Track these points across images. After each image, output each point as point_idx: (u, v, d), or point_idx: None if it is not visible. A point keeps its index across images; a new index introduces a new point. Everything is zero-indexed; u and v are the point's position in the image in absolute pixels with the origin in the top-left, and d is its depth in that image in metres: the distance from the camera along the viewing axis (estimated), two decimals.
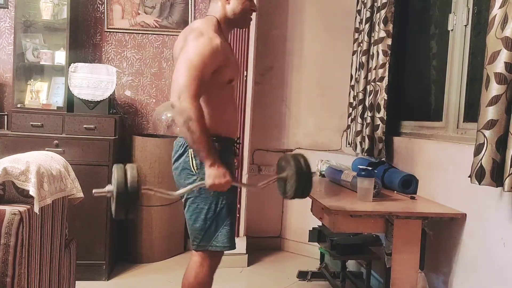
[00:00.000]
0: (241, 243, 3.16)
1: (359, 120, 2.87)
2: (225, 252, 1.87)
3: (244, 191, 3.19)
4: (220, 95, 1.82)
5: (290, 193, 1.77)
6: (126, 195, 1.50)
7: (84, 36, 3.32)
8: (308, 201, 2.50)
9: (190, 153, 1.78)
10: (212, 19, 1.82)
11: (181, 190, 1.72)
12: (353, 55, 3.15)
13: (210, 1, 1.88)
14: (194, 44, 1.69)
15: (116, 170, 1.53)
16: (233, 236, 1.83)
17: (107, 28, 3.34)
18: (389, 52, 2.60)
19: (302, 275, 2.96)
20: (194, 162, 1.77)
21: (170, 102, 1.69)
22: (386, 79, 2.60)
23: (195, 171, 1.77)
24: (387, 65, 2.61)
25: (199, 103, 1.66)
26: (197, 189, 1.76)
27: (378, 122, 2.63)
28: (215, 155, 1.68)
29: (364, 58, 2.84)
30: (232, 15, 1.83)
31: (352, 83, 3.14)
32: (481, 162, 1.60)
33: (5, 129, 2.95)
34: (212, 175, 1.66)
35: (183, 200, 1.84)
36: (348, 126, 3.18)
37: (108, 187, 1.54)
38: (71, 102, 2.89)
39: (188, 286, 1.80)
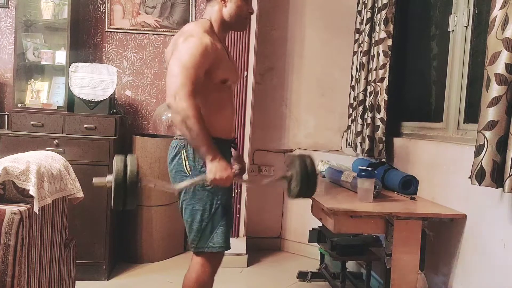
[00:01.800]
0: (241, 243, 3.16)
1: (360, 120, 2.87)
2: (225, 252, 1.87)
3: (244, 191, 3.19)
4: (217, 96, 1.82)
5: (293, 193, 1.77)
6: (124, 186, 1.52)
7: (85, 36, 3.33)
8: (308, 201, 2.50)
9: (183, 154, 1.78)
10: (205, 21, 1.83)
11: (182, 184, 1.72)
12: (353, 55, 3.15)
13: (206, 3, 1.89)
14: (184, 45, 1.70)
15: (116, 160, 1.55)
16: (228, 236, 1.83)
17: (108, 28, 3.34)
18: (390, 52, 2.60)
19: (302, 276, 2.96)
20: (187, 163, 1.78)
21: (166, 103, 1.69)
22: (386, 79, 2.60)
23: (188, 173, 1.78)
24: (387, 66, 2.61)
25: (195, 101, 1.66)
26: (194, 187, 1.76)
27: (379, 122, 2.63)
28: (215, 150, 1.67)
29: (364, 59, 2.84)
30: (229, 18, 1.84)
31: (353, 83, 3.14)
32: (481, 163, 1.60)
33: (6, 128, 2.95)
34: (214, 169, 1.65)
35: (179, 201, 1.84)
36: (349, 127, 3.18)
37: (108, 177, 1.56)
38: (71, 102, 2.90)
39: (189, 287, 1.80)
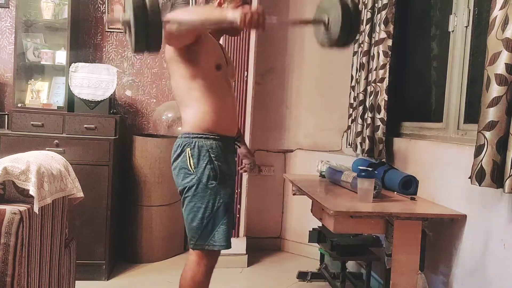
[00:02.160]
0: (241, 243, 3.17)
1: (360, 121, 2.87)
2: (225, 252, 1.87)
3: (244, 192, 3.19)
4: (216, 88, 1.84)
5: (333, 38, 1.57)
6: (146, 20, 1.29)
7: (85, 36, 3.33)
8: (308, 202, 2.51)
9: (187, 152, 1.79)
10: None
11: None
12: (353, 56, 3.15)
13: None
14: None
15: None
16: (229, 235, 1.84)
17: (108, 28, 3.34)
18: (390, 53, 2.60)
19: (302, 276, 2.96)
20: (191, 161, 1.79)
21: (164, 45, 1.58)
22: (386, 80, 2.60)
23: (192, 170, 1.78)
24: (387, 66, 2.61)
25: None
26: (197, 185, 1.76)
27: (379, 123, 2.63)
28: (223, 9, 1.65)
29: (364, 59, 2.84)
30: None
31: (353, 84, 3.14)
32: (481, 163, 1.60)
33: (6, 128, 2.95)
34: (237, 12, 1.51)
35: (181, 199, 1.85)
36: (349, 127, 3.18)
37: (122, 16, 1.33)
38: (71, 102, 2.90)
39: (185, 285, 1.81)
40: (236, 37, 3.05)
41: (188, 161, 1.79)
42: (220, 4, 1.88)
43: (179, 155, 1.82)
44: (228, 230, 1.83)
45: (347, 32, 1.55)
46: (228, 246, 1.83)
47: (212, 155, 1.79)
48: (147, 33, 1.31)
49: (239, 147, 2.08)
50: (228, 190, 1.84)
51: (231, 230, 1.86)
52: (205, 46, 1.80)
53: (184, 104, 1.86)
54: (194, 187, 1.78)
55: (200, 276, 1.81)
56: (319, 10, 1.70)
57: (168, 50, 1.83)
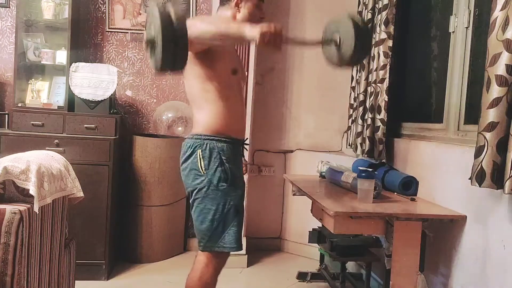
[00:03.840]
0: None
1: (360, 121, 2.86)
2: None
3: (245, 192, 3.18)
4: (229, 91, 1.84)
5: (346, 57, 1.59)
6: (174, 38, 1.20)
7: (86, 36, 3.33)
8: (308, 202, 2.50)
9: (198, 154, 1.79)
10: None
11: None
12: None
13: (220, 5, 1.91)
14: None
15: (156, 8, 1.23)
16: (240, 237, 1.85)
17: (109, 28, 3.34)
18: (390, 53, 2.60)
19: (301, 276, 2.96)
20: (202, 163, 1.78)
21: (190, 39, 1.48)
22: (387, 80, 2.60)
23: (203, 172, 1.78)
24: (388, 67, 2.60)
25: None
26: (208, 187, 1.77)
27: (379, 123, 2.63)
28: (242, 24, 1.63)
29: (365, 60, 2.84)
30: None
31: (353, 84, 3.14)
32: (481, 164, 1.60)
33: (6, 128, 2.95)
34: (256, 28, 1.47)
35: (190, 200, 1.85)
36: (349, 128, 3.18)
37: (147, 32, 1.26)
38: (72, 102, 2.90)
39: (193, 286, 1.80)
40: None
41: (199, 162, 1.78)
42: (237, 4, 1.87)
43: (189, 156, 1.81)
44: (239, 231, 1.84)
45: (358, 52, 1.58)
46: (238, 248, 1.83)
47: (223, 157, 1.79)
48: (175, 51, 1.25)
49: (246, 150, 2.08)
50: (238, 192, 1.84)
51: (241, 231, 1.87)
52: (222, 50, 1.80)
53: (197, 105, 1.86)
54: (204, 189, 1.78)
55: (208, 277, 1.81)
56: (329, 29, 1.70)
57: None
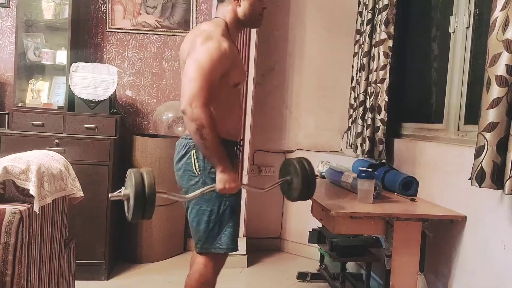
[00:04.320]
0: (240, 244, 3.10)
1: (360, 121, 2.87)
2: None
3: (244, 192, 3.19)
4: (227, 99, 1.82)
5: (294, 196, 1.83)
6: (144, 199, 1.51)
7: (86, 36, 3.33)
8: (308, 202, 2.50)
9: (192, 154, 1.78)
10: (221, 22, 1.82)
11: (192, 194, 1.72)
12: (354, 56, 3.15)
13: (218, 3, 1.88)
14: (203, 48, 1.68)
15: (133, 174, 1.52)
16: (236, 237, 1.84)
17: (109, 28, 3.34)
18: (390, 53, 2.60)
19: (301, 277, 2.96)
20: (196, 163, 1.77)
21: (181, 108, 1.66)
22: (387, 80, 2.60)
23: (197, 173, 1.77)
24: (388, 67, 2.61)
25: (211, 109, 1.66)
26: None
27: (379, 123, 2.63)
28: (226, 161, 1.70)
29: (365, 60, 2.84)
30: (243, 16, 1.84)
31: (353, 84, 3.14)
32: (481, 165, 1.60)
33: (6, 128, 2.95)
34: (224, 180, 1.70)
35: (186, 202, 1.84)
36: (349, 128, 3.18)
37: (124, 191, 1.55)
38: (72, 102, 2.90)
39: (191, 286, 1.80)
40: (237, 37, 3.05)
41: (193, 163, 1.78)
42: (237, 1, 1.82)
43: (183, 156, 1.80)
44: (235, 232, 1.83)
45: (305, 193, 1.82)
46: (235, 248, 1.83)
47: None
48: (144, 210, 1.52)
49: (240, 151, 2.07)
50: (234, 193, 1.83)
51: (238, 232, 1.86)
52: (231, 75, 1.77)
53: None
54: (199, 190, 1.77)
55: (206, 278, 1.80)
56: (284, 169, 1.92)
57: (185, 51, 1.79)
